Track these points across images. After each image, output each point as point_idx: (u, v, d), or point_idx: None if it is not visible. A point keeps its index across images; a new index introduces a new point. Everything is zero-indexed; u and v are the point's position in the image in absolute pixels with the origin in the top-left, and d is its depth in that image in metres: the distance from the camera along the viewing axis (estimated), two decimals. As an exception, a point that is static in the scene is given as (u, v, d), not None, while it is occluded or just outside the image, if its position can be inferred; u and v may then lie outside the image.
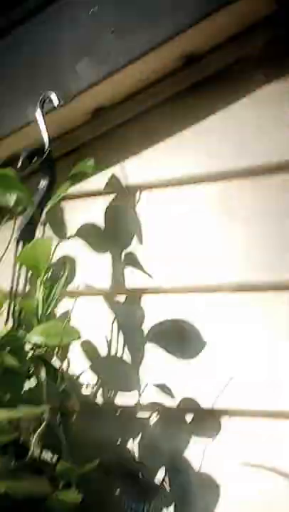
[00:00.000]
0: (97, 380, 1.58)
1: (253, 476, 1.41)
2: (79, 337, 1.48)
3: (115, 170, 1.64)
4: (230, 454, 1.43)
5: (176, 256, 1.55)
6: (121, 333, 1.58)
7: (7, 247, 1.56)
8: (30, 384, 1.48)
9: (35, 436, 1.42)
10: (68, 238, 1.67)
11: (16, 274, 1.62)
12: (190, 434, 1.48)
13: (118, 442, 1.54)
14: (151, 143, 1.60)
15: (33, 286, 1.55)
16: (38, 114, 1.57)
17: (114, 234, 1.63)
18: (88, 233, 1.65)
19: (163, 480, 1.50)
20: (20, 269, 1.62)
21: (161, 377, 1.52)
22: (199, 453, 1.46)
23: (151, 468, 1.51)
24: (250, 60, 1.50)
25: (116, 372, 1.57)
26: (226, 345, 1.47)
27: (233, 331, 1.47)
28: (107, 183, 1.64)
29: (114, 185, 1.64)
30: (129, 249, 1.60)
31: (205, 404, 1.47)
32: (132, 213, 1.60)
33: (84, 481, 1.40)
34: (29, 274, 1.62)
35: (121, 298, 1.61)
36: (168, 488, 1.49)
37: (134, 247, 1.60)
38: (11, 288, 1.61)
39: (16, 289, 1.62)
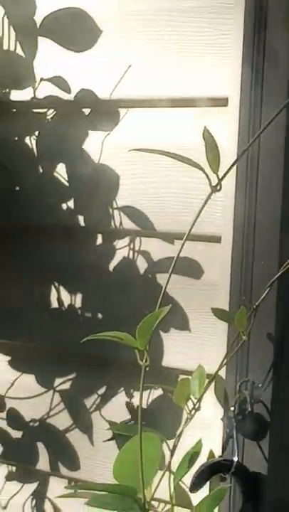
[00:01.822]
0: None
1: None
2: None
3: None
4: (129, 145, 1.39)
5: None
6: (12, 27, 1.50)
7: None
8: None
9: None
10: None
11: None
12: (88, 126, 1.44)
13: (16, 139, 1.50)
14: None
15: None
16: None
17: None
18: None
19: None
20: None
21: (56, 71, 1.46)
22: (98, 145, 1.43)
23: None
24: None
25: (10, 68, 1.50)
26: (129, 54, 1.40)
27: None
28: None
29: None
30: None
31: (103, 95, 1.42)
32: None
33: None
34: None
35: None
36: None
37: None
38: None
39: None
